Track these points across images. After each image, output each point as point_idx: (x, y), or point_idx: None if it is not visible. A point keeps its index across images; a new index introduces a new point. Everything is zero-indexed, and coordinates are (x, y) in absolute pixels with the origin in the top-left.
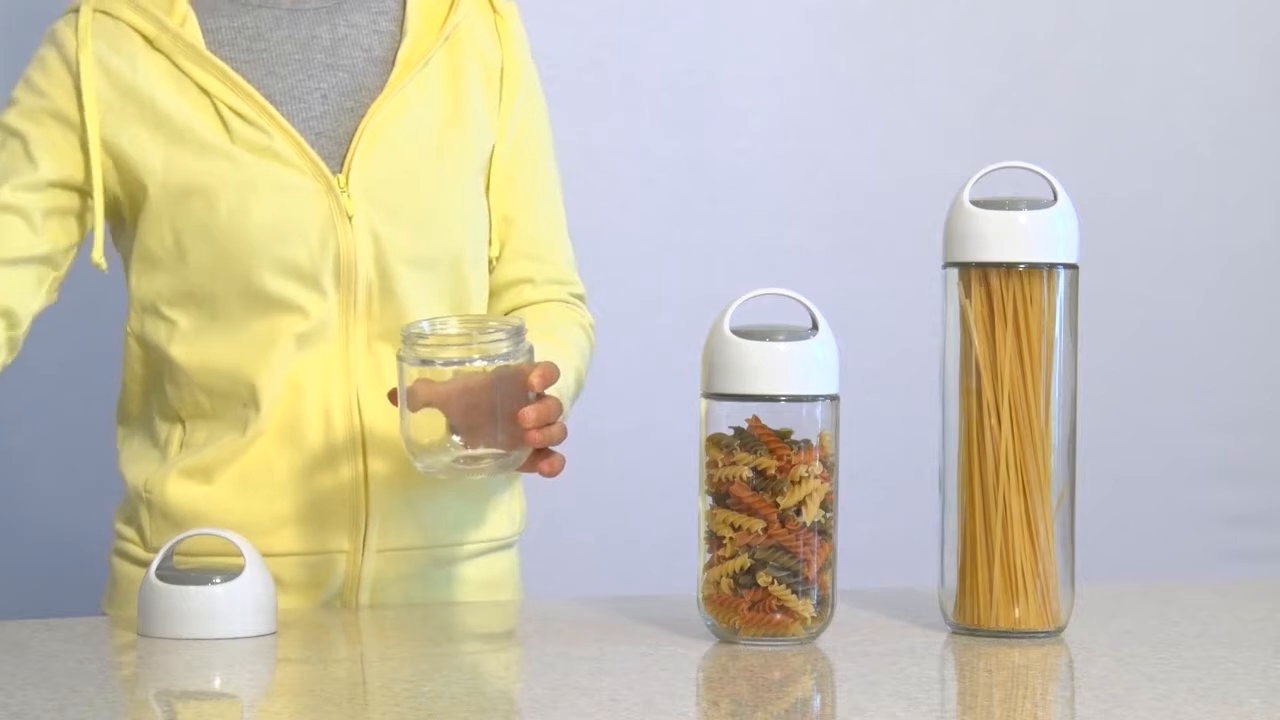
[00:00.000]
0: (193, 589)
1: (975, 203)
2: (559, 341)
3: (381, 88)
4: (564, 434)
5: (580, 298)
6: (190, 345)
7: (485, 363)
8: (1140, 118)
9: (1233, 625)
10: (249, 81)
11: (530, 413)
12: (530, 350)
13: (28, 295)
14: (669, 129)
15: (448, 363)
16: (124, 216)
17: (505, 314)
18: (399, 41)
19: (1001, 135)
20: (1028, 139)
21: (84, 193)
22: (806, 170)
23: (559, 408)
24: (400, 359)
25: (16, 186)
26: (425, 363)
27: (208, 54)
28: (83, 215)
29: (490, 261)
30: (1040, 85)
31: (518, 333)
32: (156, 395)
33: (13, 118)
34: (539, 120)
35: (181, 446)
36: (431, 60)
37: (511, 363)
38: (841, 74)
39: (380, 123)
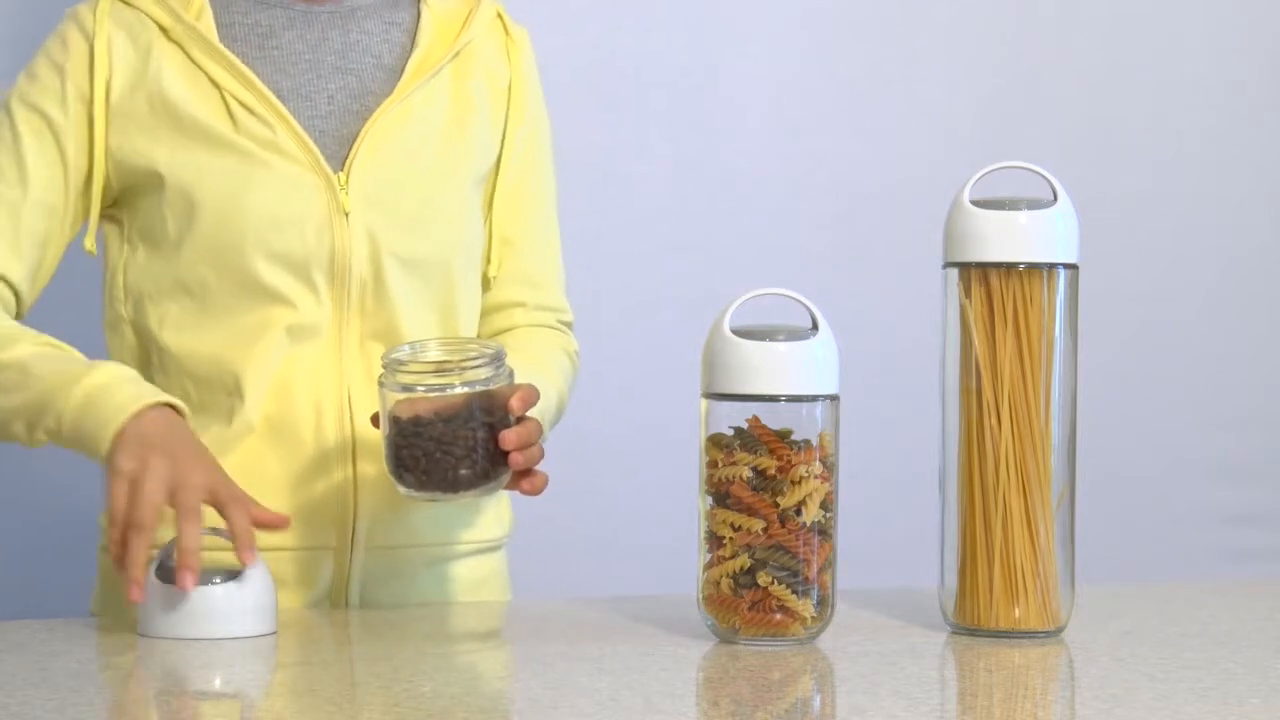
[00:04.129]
0: (192, 589)
1: (975, 203)
2: (543, 365)
3: (388, 94)
4: (542, 455)
5: (568, 325)
6: (180, 332)
7: (466, 388)
8: (1140, 118)
9: (1233, 625)
10: (259, 77)
11: (511, 435)
12: (510, 374)
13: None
14: (669, 129)
15: (429, 389)
16: (122, 204)
17: (495, 334)
18: (410, 52)
19: (1001, 135)
20: (1028, 139)
21: (74, 187)
22: (806, 170)
23: (539, 430)
24: (381, 385)
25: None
26: (407, 389)
27: (219, 47)
28: (69, 215)
29: (487, 279)
30: (1040, 85)
31: (498, 358)
32: None
33: (17, 101)
34: (544, 146)
35: None
36: (440, 72)
37: (492, 387)
38: (841, 74)
39: (384, 127)
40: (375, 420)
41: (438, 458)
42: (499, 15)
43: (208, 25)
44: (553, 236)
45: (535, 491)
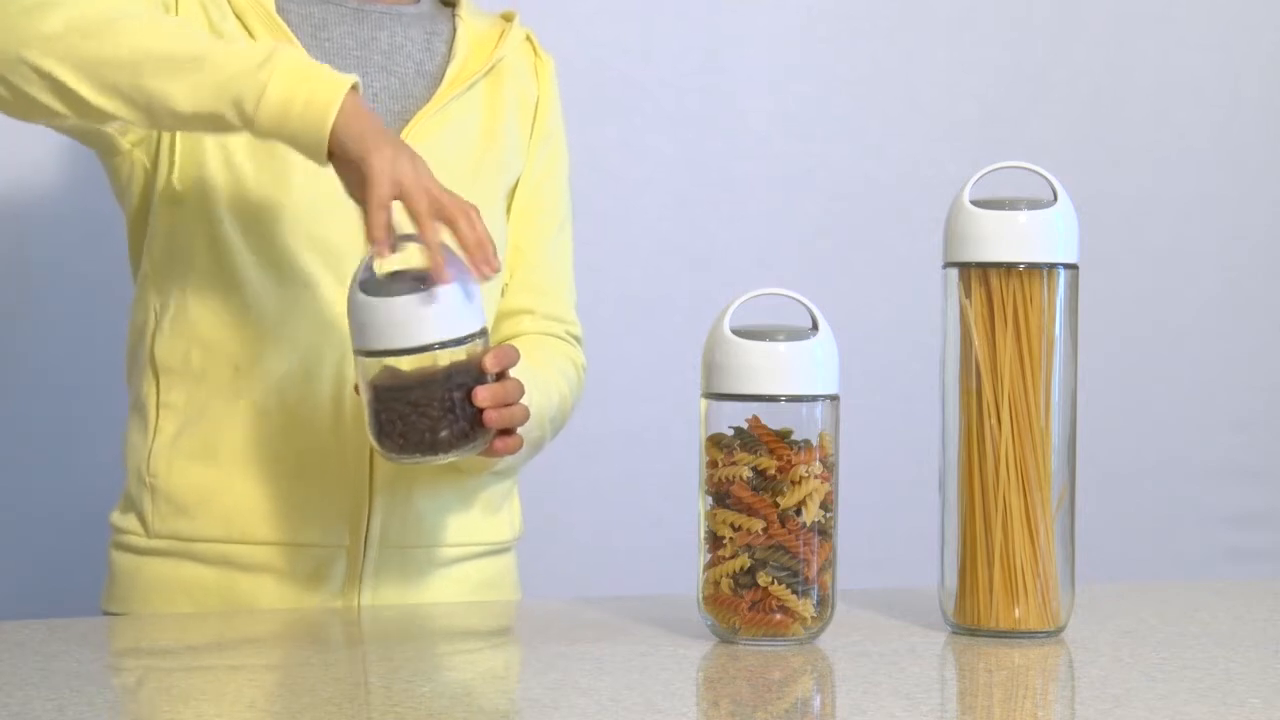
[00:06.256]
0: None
1: (975, 203)
2: (545, 369)
3: (427, 99)
4: (526, 415)
5: (577, 339)
6: (201, 295)
7: (442, 349)
8: (1140, 118)
9: (1233, 625)
10: None
11: (485, 393)
12: (485, 336)
13: None
14: (669, 129)
15: (404, 352)
16: (163, 139)
17: (502, 341)
18: (448, 62)
19: (1001, 135)
20: (1028, 139)
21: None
22: (806, 170)
23: (519, 389)
24: (358, 353)
25: None
26: (382, 355)
27: (278, 18)
28: None
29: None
30: (1040, 85)
31: None
32: (144, 345)
33: None
34: (562, 165)
35: (159, 408)
36: (475, 85)
37: (466, 348)
38: (841, 74)
39: (424, 131)
40: (358, 389)
41: (414, 420)
42: (528, 37)
43: (268, 4)
44: (564, 253)
45: (508, 451)
